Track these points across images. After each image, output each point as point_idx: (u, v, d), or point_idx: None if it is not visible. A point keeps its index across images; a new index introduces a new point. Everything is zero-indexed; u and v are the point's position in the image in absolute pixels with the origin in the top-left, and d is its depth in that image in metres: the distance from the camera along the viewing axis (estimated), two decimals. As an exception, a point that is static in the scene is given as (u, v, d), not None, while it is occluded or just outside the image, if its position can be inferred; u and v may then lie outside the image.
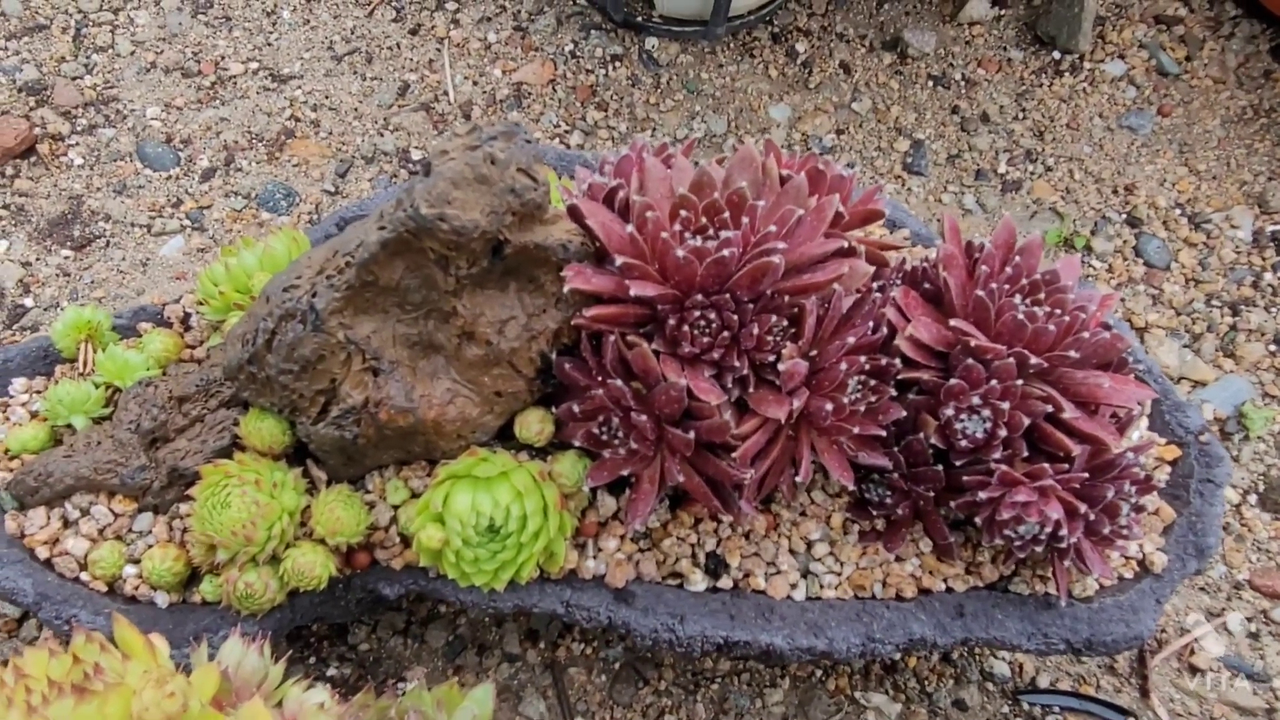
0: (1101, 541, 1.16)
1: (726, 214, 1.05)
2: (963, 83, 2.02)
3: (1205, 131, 2.00)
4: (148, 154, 1.80)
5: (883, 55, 2.04)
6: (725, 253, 0.99)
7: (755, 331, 1.02)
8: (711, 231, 1.05)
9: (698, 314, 1.02)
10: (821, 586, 1.22)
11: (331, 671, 1.44)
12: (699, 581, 1.21)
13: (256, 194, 1.78)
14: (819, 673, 1.47)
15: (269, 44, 1.94)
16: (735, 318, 1.02)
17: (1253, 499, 1.65)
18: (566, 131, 1.90)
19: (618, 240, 1.04)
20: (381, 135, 1.86)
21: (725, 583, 1.22)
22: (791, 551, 1.23)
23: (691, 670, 1.47)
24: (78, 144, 1.80)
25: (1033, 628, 1.21)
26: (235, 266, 1.27)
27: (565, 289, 1.03)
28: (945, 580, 1.24)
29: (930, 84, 2.02)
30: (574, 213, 1.10)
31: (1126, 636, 1.22)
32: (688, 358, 1.04)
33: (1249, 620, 1.56)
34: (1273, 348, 1.77)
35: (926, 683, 1.48)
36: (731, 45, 2.02)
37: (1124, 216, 1.90)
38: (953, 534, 1.22)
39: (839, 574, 1.23)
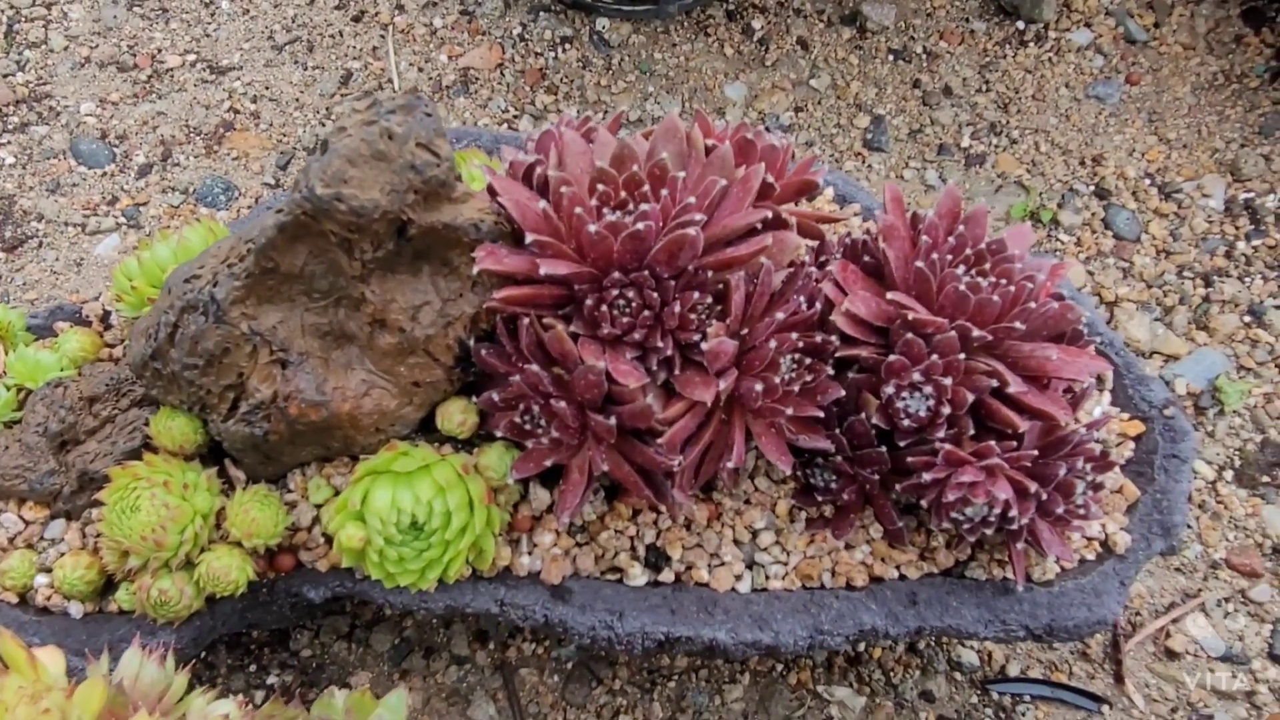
0: (1057, 522, 1.11)
1: (647, 187, 0.99)
2: (924, 56, 1.97)
3: (1175, 99, 1.94)
4: (82, 151, 1.74)
5: (841, 30, 1.99)
6: (641, 226, 0.94)
7: (678, 310, 0.97)
8: (631, 206, 1.00)
9: (616, 293, 0.97)
10: (768, 577, 1.16)
11: (272, 679, 1.39)
12: (639, 575, 1.15)
13: (195, 189, 1.73)
14: (780, 667, 1.42)
15: (207, 35, 1.89)
16: (656, 296, 0.97)
17: (1229, 475, 1.60)
18: (515, 116, 1.85)
19: (531, 218, 0.98)
20: (324, 125, 1.81)
21: (667, 576, 1.16)
22: (736, 542, 1.18)
23: (647, 668, 1.42)
24: (9, 142, 1.75)
25: (990, 614, 1.16)
26: (149, 260, 1.21)
27: (475, 270, 0.98)
28: (898, 567, 1.18)
29: (890, 58, 1.96)
30: (489, 191, 1.04)
31: (1089, 620, 1.16)
32: (608, 339, 0.98)
33: (1226, 600, 1.50)
34: (1247, 319, 1.72)
35: (892, 674, 1.43)
36: (685, 24, 1.96)
37: (1092, 188, 1.84)
38: (904, 518, 1.17)
39: (785, 564, 1.17)
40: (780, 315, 0.99)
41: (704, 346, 0.97)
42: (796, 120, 1.89)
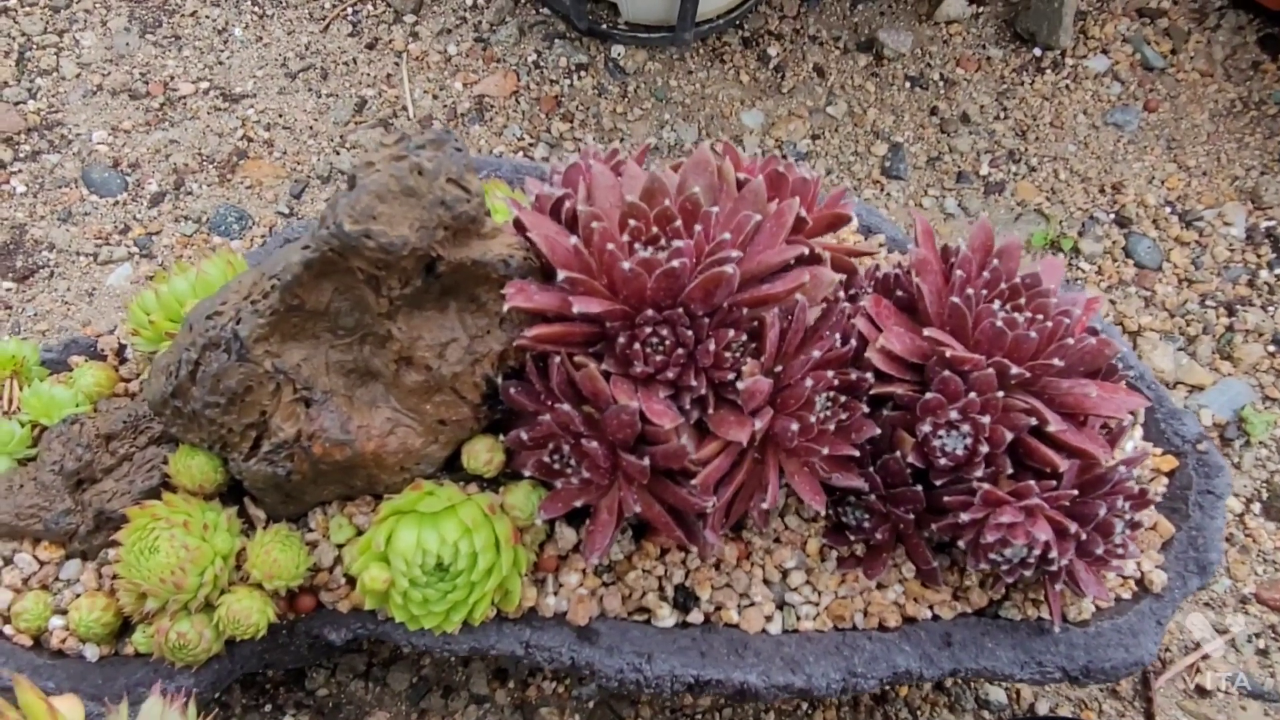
0: (1096, 562, 1.08)
1: (679, 222, 0.97)
2: (941, 83, 1.95)
3: (1194, 126, 1.93)
4: (94, 179, 1.72)
5: (858, 57, 1.97)
6: (676, 264, 0.92)
7: (712, 348, 0.95)
8: (663, 241, 0.98)
9: (649, 330, 0.95)
10: (799, 618, 1.14)
11: (288, 718, 1.36)
12: (667, 616, 1.13)
13: (208, 218, 1.71)
14: (805, 706, 1.39)
15: (220, 63, 1.87)
16: (690, 333, 0.95)
17: (1256, 508, 1.57)
18: (531, 144, 1.83)
19: (562, 253, 0.96)
20: (338, 154, 1.79)
21: (696, 617, 1.13)
22: (766, 581, 1.15)
23: (670, 707, 1.39)
24: (20, 171, 1.73)
25: (1026, 656, 1.13)
26: (167, 294, 1.19)
27: (506, 308, 0.96)
28: (931, 607, 1.16)
29: (907, 85, 1.95)
30: (517, 225, 1.02)
31: (1126, 662, 1.14)
32: (641, 378, 0.96)
33: (1257, 636, 1.48)
34: (1271, 348, 1.70)
35: (919, 712, 1.40)
36: (701, 51, 1.95)
37: (1112, 216, 1.83)
38: (937, 557, 1.14)
39: (817, 604, 1.14)
40: (816, 353, 0.97)
41: (740, 386, 0.94)
42: (814, 148, 1.87)
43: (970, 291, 1.05)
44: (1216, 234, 1.81)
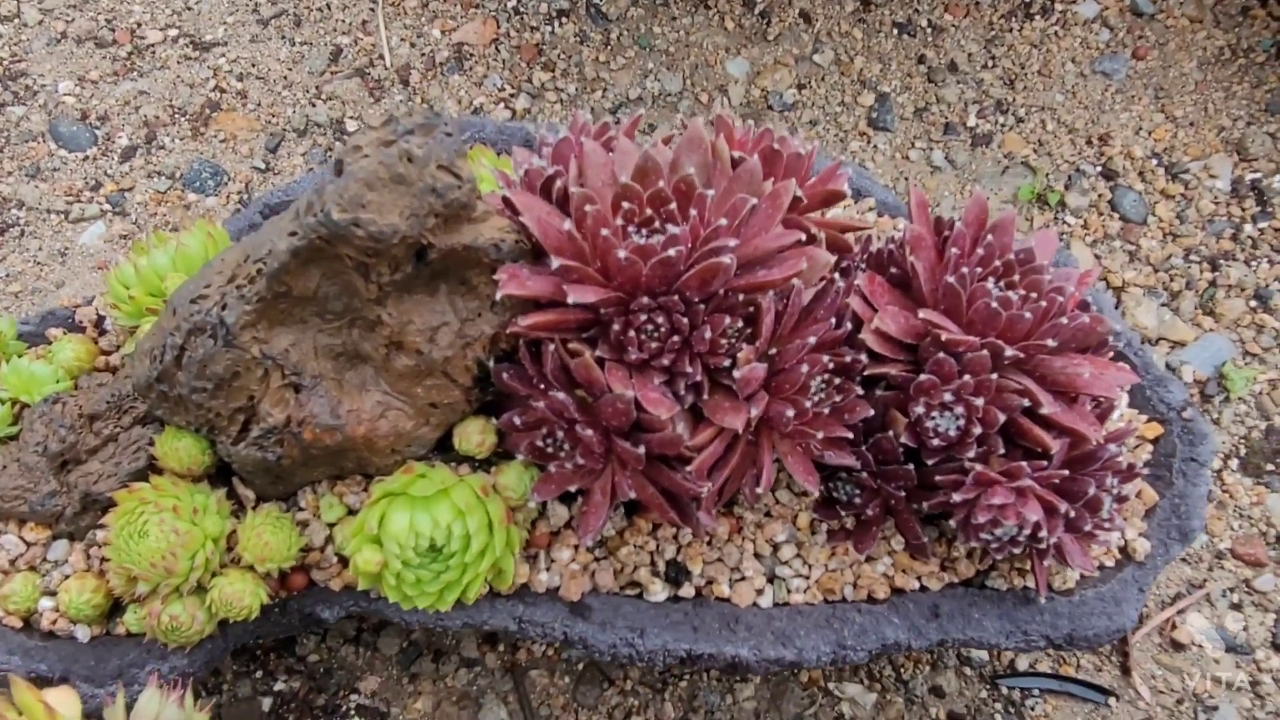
0: (1083, 537, 1.10)
1: (674, 205, 0.96)
2: (929, 29, 1.92)
3: (1182, 75, 1.91)
4: (62, 133, 1.67)
5: (844, 3, 1.93)
6: (671, 252, 0.90)
7: (708, 335, 0.94)
8: (658, 224, 0.96)
9: (644, 318, 0.93)
10: (789, 591, 1.15)
11: (280, 685, 1.37)
12: (659, 591, 1.14)
13: (181, 174, 1.67)
14: (790, 665, 1.41)
15: (188, 8, 1.81)
16: (685, 320, 0.94)
17: (1234, 464, 1.60)
18: (512, 95, 1.79)
19: (555, 238, 0.94)
20: (314, 105, 1.74)
21: (687, 591, 1.14)
22: (757, 555, 1.16)
23: (657, 669, 1.41)
24: (-15, 124, 1.68)
25: (1011, 625, 1.15)
26: (146, 267, 1.16)
27: (499, 295, 0.94)
28: (919, 578, 1.17)
29: (895, 32, 1.92)
30: (508, 206, 1.00)
31: (1109, 630, 1.16)
32: (635, 364, 0.95)
33: (1231, 591, 1.51)
34: (1253, 303, 1.71)
35: (902, 670, 1.43)
36: (685, -4, 1.90)
37: (1099, 169, 1.82)
38: (925, 528, 1.15)
39: (807, 577, 1.16)
40: (811, 339, 0.97)
41: (736, 374, 0.94)
42: (800, 98, 1.84)
43: (965, 270, 1.04)
44: (1202, 186, 1.81)
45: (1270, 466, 1.59)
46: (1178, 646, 1.47)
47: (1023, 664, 1.44)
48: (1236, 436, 1.62)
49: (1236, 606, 1.50)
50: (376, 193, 0.88)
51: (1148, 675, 1.45)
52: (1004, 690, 1.43)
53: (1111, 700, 1.43)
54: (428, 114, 0.90)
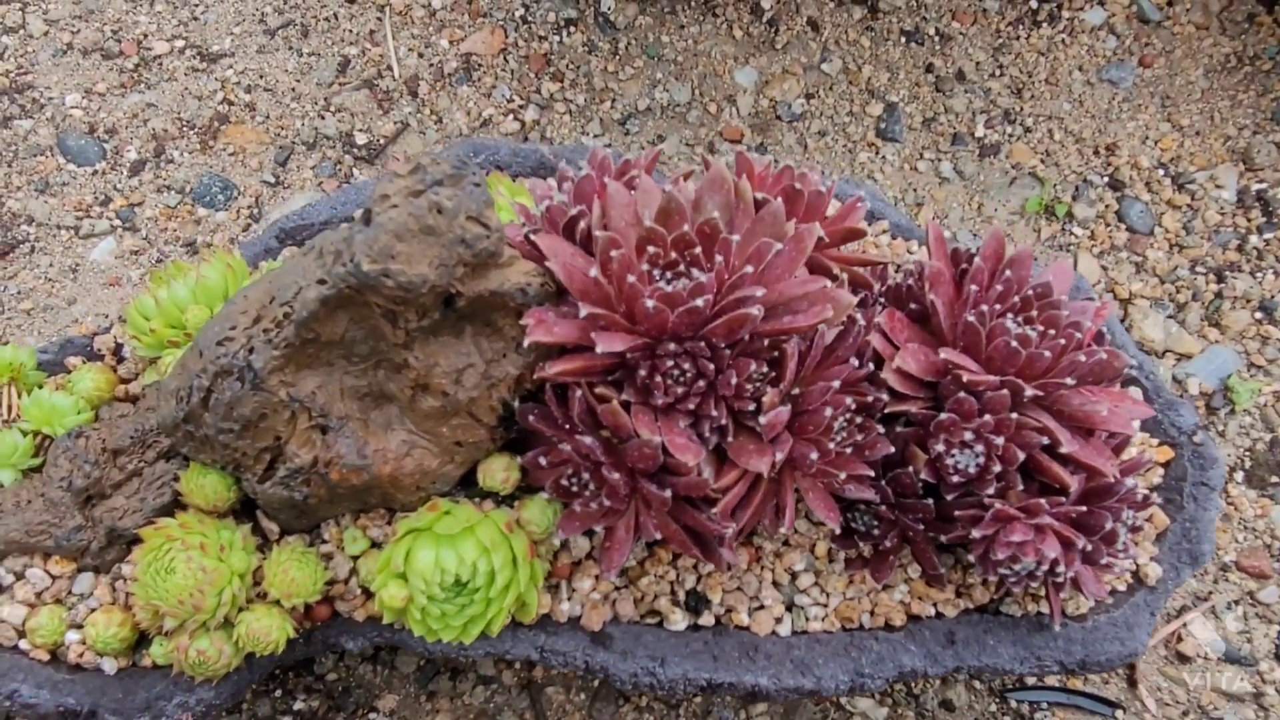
0: (1099, 568, 1.11)
1: (698, 248, 0.96)
2: (937, 38, 1.92)
3: (1188, 83, 1.92)
4: (70, 147, 1.67)
5: (852, 10, 1.93)
6: (698, 301, 0.91)
7: (733, 380, 0.95)
8: (683, 267, 0.97)
9: (670, 363, 0.94)
10: (807, 619, 1.17)
11: (299, 705, 1.38)
12: (679, 620, 1.15)
13: (191, 188, 1.67)
14: (803, 681, 1.43)
15: (195, 18, 1.80)
16: (711, 365, 0.95)
17: (1239, 476, 1.61)
18: (521, 106, 1.79)
19: (581, 283, 0.95)
20: (323, 118, 1.74)
21: (707, 620, 1.16)
22: (775, 584, 1.17)
23: (672, 684, 1.42)
24: (-8, 139, 1.67)
25: (1026, 652, 1.17)
26: (166, 300, 1.17)
27: (527, 342, 0.95)
28: (935, 605, 1.19)
29: (903, 40, 1.92)
30: (533, 248, 1.00)
31: (1121, 654, 1.18)
32: (661, 408, 0.96)
33: (1236, 604, 1.53)
34: (1258, 315, 1.72)
35: (913, 685, 1.45)
36: (693, 3, 1.90)
37: (1106, 179, 1.82)
38: (941, 555, 1.17)
39: (825, 605, 1.17)
40: (835, 382, 0.98)
41: (762, 420, 0.95)
42: (808, 108, 1.84)
43: (985, 308, 1.05)
44: (1208, 197, 1.81)
45: (1275, 479, 1.61)
46: (1183, 658, 1.49)
47: (1031, 677, 1.46)
48: (1241, 449, 1.63)
49: (1241, 619, 1.52)
50: (406, 244, 0.89)
51: (1154, 687, 1.47)
52: (1013, 704, 1.45)
53: (1118, 713, 1.45)
54: (455, 163, 0.90)
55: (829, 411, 0.97)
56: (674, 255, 0.97)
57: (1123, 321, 1.71)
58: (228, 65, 1.77)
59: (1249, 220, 1.80)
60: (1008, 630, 1.18)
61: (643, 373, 0.95)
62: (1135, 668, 1.48)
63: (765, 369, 0.97)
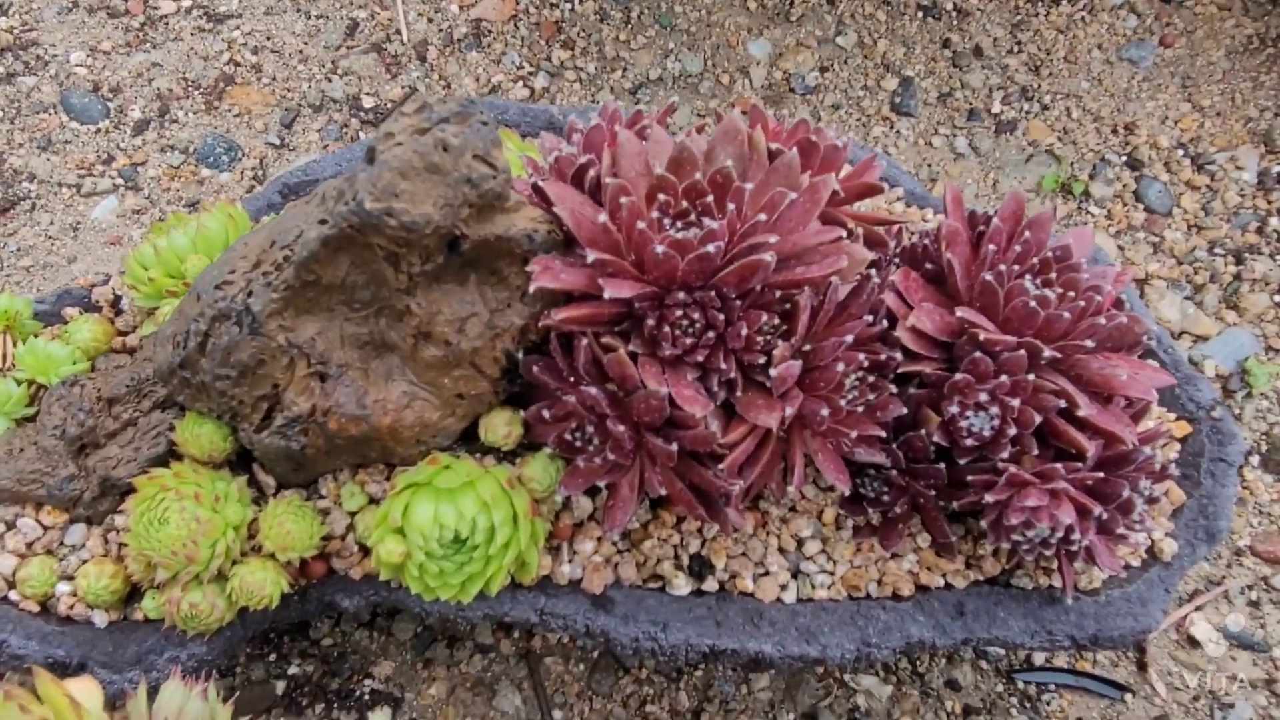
0: (1114, 539, 1.09)
1: (710, 197, 0.94)
2: (954, 13, 1.89)
3: (1209, 63, 1.89)
4: (73, 105, 1.65)
5: (869, -17, 1.90)
6: (710, 248, 0.88)
7: (744, 331, 0.92)
8: (693, 216, 0.94)
9: (679, 313, 0.92)
10: (813, 587, 1.14)
11: (293, 670, 1.36)
12: (682, 585, 1.13)
13: (195, 148, 1.64)
14: (807, 656, 1.41)
15: (203, -22, 1.78)
16: (721, 316, 0.92)
17: (1255, 460, 1.58)
18: (531, 73, 1.76)
19: (589, 229, 0.93)
20: (329, 80, 1.72)
21: (710, 585, 1.13)
22: (781, 550, 1.15)
23: (674, 657, 1.40)
24: (-5, 95, 1.65)
25: (1037, 625, 1.14)
26: (165, 249, 1.14)
27: (532, 288, 0.92)
28: (944, 575, 1.16)
29: (919, 14, 1.89)
30: (540, 196, 0.98)
31: (1134, 630, 1.15)
32: (669, 360, 0.94)
33: (1249, 588, 1.50)
34: (1278, 298, 1.69)
35: (918, 663, 1.42)
36: (707, -26, 1.87)
37: (1124, 158, 1.79)
38: (952, 525, 1.14)
39: (831, 573, 1.14)
40: (848, 337, 0.95)
41: (772, 373, 0.92)
42: (822, 81, 1.82)
43: (1002, 268, 1.02)
44: (1228, 178, 1.78)
45: (1291, 463, 1.58)
46: (1194, 643, 1.46)
47: (1039, 658, 1.43)
48: (1258, 432, 1.61)
49: (1254, 604, 1.49)
50: (410, 182, 0.86)
51: (1164, 671, 1.44)
52: (1020, 685, 1.42)
53: (1127, 696, 1.43)
54: (463, 101, 0.88)
55: (841, 367, 0.95)
56: (685, 204, 0.94)
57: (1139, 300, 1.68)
58: (235, 26, 1.74)
59: (1269, 202, 1.77)
60: (1018, 603, 1.15)
61: (650, 323, 0.92)
62: (1145, 651, 1.45)
63: (776, 322, 0.94)
